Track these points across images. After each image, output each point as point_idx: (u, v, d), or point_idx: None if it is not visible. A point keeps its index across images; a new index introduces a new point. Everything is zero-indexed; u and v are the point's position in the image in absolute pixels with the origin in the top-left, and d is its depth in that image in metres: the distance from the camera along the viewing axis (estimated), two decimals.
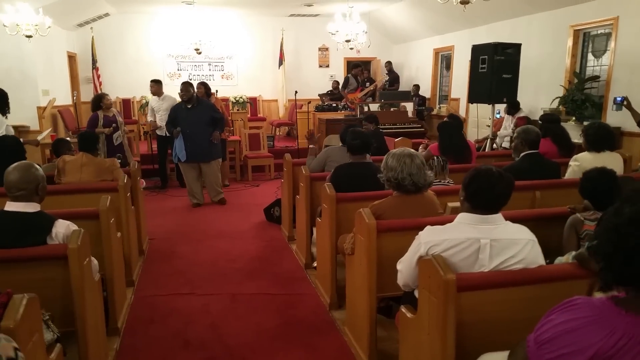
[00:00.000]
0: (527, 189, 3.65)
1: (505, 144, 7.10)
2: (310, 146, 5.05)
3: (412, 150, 2.86)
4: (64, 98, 9.66)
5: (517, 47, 6.58)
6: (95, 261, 2.78)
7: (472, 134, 9.00)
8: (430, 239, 2.10)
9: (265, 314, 3.55)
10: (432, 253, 2.06)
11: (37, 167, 2.57)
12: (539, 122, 5.62)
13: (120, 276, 3.55)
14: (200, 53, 10.92)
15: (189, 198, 6.56)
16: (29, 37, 7.05)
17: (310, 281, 4.08)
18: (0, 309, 1.58)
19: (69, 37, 10.57)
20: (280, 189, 5.59)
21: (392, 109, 9.78)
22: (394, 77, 11.37)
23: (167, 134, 7.07)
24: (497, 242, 2.03)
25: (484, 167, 2.09)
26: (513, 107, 7.15)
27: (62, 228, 2.49)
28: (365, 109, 9.42)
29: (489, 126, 7.71)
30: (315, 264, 4.15)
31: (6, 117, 4.76)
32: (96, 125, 6.28)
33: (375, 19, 11.46)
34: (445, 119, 5.54)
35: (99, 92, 10.41)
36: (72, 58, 10.80)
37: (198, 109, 6.24)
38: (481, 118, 8.57)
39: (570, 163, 4.10)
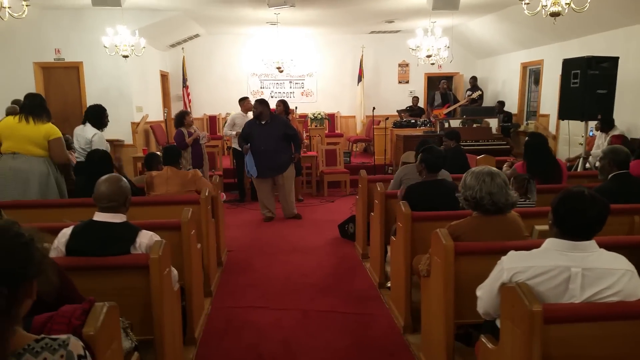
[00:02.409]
0: (624, 212, 3.34)
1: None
2: None
3: (494, 168, 2.70)
4: (155, 114, 10.26)
5: (613, 60, 6.12)
6: (175, 271, 2.86)
7: (563, 152, 8.48)
8: (514, 265, 1.95)
9: (337, 332, 3.49)
10: (516, 280, 1.91)
11: (126, 180, 2.70)
12: None
13: (199, 286, 3.65)
14: (282, 71, 11.20)
15: (261, 212, 6.67)
16: (126, 57, 7.58)
17: (384, 301, 3.98)
18: (83, 315, 1.65)
19: (162, 57, 11.25)
20: (355, 205, 5.54)
21: (474, 125, 9.45)
22: (480, 94, 11.02)
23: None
24: (590, 271, 1.84)
25: (575, 189, 1.92)
26: (606, 124, 6.65)
27: (146, 238, 2.59)
28: (446, 125, 9.18)
29: (581, 144, 7.22)
30: (389, 284, 4.05)
31: (102, 131, 5.10)
32: (183, 140, 6.65)
33: (458, 33, 11.20)
34: (527, 138, 5.26)
35: (187, 109, 11.02)
36: (164, 77, 11.48)
37: (271, 125, 6.35)
38: (573, 135, 8.05)
39: None
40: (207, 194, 4.11)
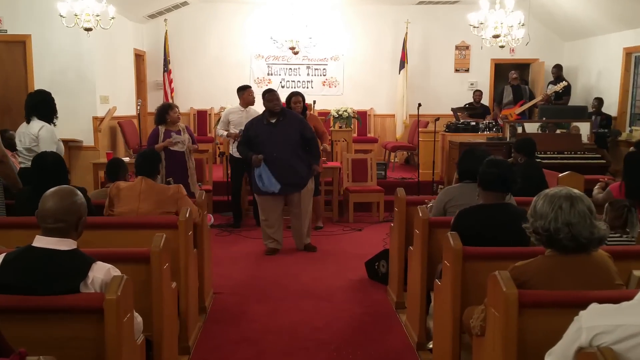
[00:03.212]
0: None
1: None
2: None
3: (576, 190, 2.69)
4: (126, 107, 10.47)
5: None
6: (139, 318, 2.90)
7: None
8: (596, 324, 1.94)
9: None
10: (599, 344, 1.90)
11: (81, 194, 2.75)
12: None
13: (172, 340, 3.68)
14: (297, 53, 11.35)
15: (264, 242, 6.72)
16: (89, 30, 7.75)
17: None
18: None
19: (138, 31, 11.51)
20: (389, 235, 5.55)
21: (557, 131, 9.38)
22: (566, 87, 10.95)
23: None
24: None
25: None
26: None
27: (101, 273, 2.63)
28: (519, 129, 9.16)
29: None
30: (431, 345, 4.04)
31: (53, 125, 5.21)
32: (156, 142, 6.71)
33: (538, 5, 11.19)
34: (631, 148, 5.23)
35: (169, 101, 11.18)
36: (139, 57, 11.72)
37: (284, 124, 6.39)
38: None
39: None
40: (187, 215, 4.16)
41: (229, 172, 8.00)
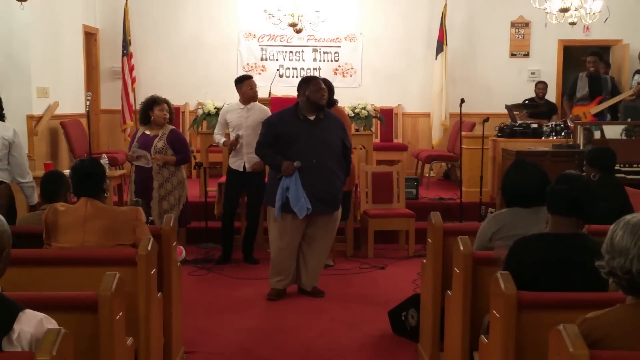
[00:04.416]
0: None
1: None
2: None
3: None
4: (72, 103, 10.55)
5: None
6: None
7: None
8: None
9: None
10: None
11: (3, 220, 2.75)
12: None
13: None
14: (300, 31, 11.38)
15: (271, 280, 6.69)
16: (22, 0, 7.79)
17: None
18: None
19: (88, 2, 11.60)
20: (421, 276, 5.53)
21: None
22: None
23: (246, 169, 7.43)
24: None
25: None
26: None
27: (30, 325, 2.61)
28: (596, 134, 9.14)
29: None
30: None
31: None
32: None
33: None
34: None
35: (129, 94, 11.21)
36: (91, 37, 11.81)
37: (325, 124, 6.39)
38: None
39: None
40: (149, 247, 4.15)
41: (230, 189, 7.88)
